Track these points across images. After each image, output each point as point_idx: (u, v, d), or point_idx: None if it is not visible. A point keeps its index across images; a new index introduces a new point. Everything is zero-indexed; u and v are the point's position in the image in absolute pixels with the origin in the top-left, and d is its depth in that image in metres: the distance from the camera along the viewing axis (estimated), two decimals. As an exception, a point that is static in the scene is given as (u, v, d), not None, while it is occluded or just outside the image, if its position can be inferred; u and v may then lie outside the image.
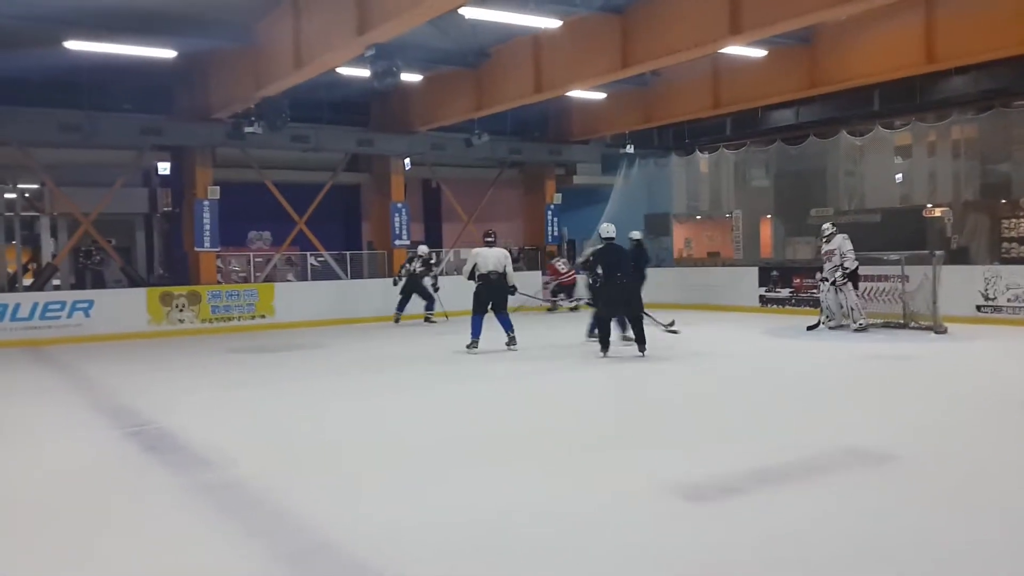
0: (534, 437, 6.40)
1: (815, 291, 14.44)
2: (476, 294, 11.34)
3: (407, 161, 19.35)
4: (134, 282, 17.04)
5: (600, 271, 10.50)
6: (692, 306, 13.72)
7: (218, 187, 16.57)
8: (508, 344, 11.31)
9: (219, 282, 16.77)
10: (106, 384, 9.64)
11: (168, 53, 13.03)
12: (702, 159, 20.97)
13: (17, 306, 14.02)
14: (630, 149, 20.07)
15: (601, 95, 17.67)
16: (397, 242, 18.82)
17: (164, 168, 18.20)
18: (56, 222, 18.23)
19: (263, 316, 16.16)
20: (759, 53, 14.36)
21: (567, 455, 5.78)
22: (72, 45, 12.33)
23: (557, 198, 21.46)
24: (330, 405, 8.14)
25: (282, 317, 16.25)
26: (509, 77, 15.18)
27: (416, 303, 16.02)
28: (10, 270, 18.53)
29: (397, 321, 15.86)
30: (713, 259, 20.83)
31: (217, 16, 12.62)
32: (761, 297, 16.86)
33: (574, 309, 17.80)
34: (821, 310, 13.17)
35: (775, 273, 16.85)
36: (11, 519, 4.70)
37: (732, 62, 15.23)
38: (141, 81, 15.78)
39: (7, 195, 18.10)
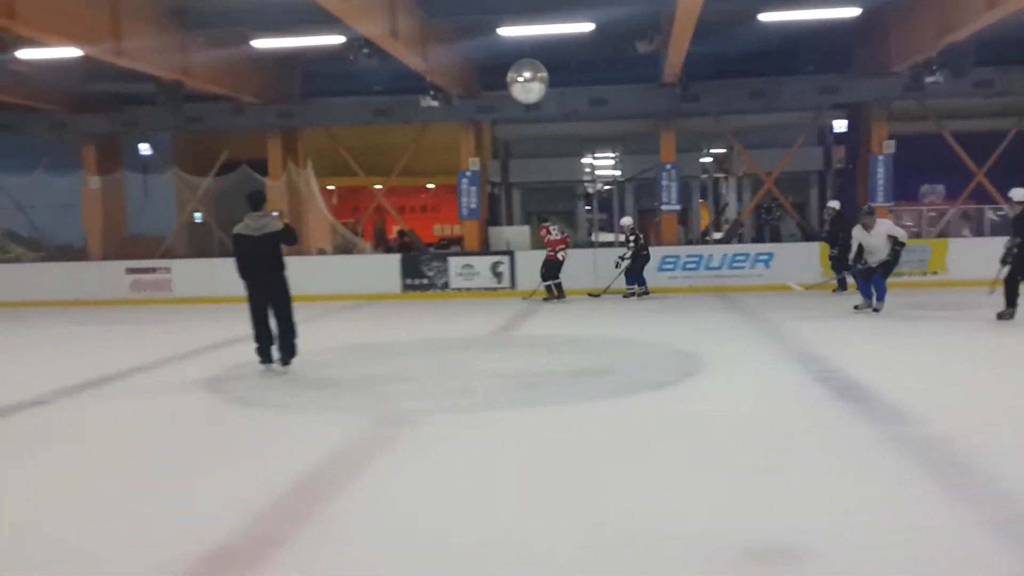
0: None
1: None
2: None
3: (1123, 97, 16.01)
4: (808, 236, 17.45)
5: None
6: None
7: (893, 141, 15.94)
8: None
9: (890, 236, 16.20)
10: (792, 330, 10.08)
11: (853, 12, 12.86)
12: None
13: (710, 256, 15.61)
14: None
15: None
16: (1101, 192, 15.75)
17: (839, 126, 18.15)
18: (741, 182, 19.60)
19: (935, 273, 15.16)
20: None
21: None
22: (765, 17, 12.98)
23: None
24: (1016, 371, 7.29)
25: (955, 274, 15.02)
26: None
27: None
28: (703, 226, 20.63)
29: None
30: None
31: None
32: None
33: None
34: None
35: None
36: (710, 440, 5.24)
37: None
38: (822, 43, 15.88)
39: (701, 159, 20.06)
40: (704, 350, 8.47)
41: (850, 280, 13.38)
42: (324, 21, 11.28)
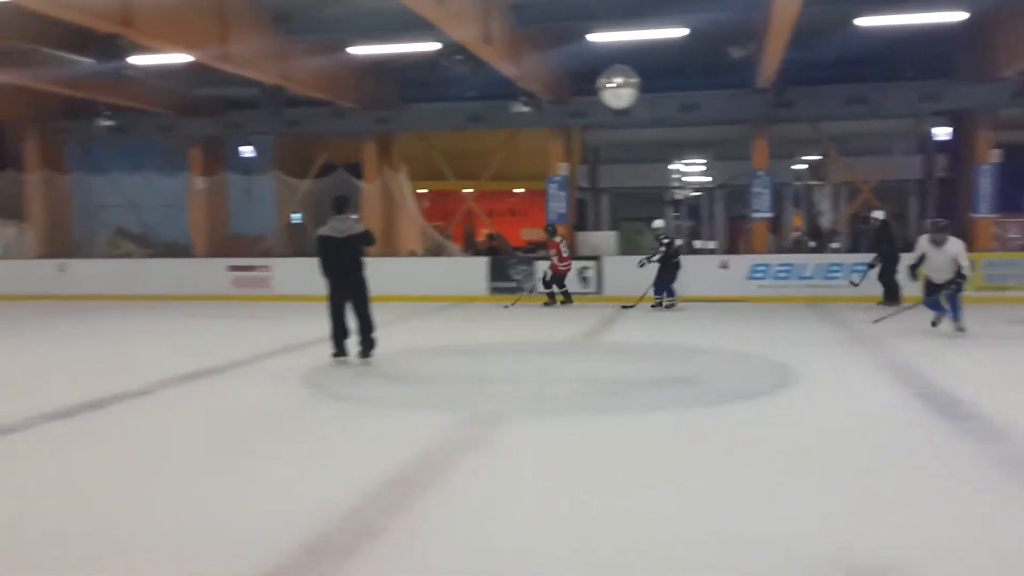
0: None
1: None
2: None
3: None
4: (909, 247, 16.80)
5: None
6: None
7: (999, 150, 15.24)
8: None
9: (995, 250, 15.50)
10: (887, 343, 9.73)
11: (958, 16, 12.36)
12: None
13: (803, 266, 15.21)
14: None
15: None
16: None
17: (942, 133, 17.45)
18: (837, 190, 19.06)
19: (1044, 288, 14.41)
20: None
21: None
22: (861, 22, 12.59)
23: None
24: None
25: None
26: None
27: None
28: (794, 234, 20.14)
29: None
30: None
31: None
32: None
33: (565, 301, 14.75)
34: None
35: None
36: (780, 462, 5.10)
37: None
38: (923, 48, 15.29)
39: (794, 166, 19.58)
40: (796, 361, 8.26)
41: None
42: (420, 28, 11.49)
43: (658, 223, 14.46)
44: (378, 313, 8.51)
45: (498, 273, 16.31)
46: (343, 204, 8.52)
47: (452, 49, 12.37)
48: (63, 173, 19.11)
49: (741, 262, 15.53)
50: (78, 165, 19.66)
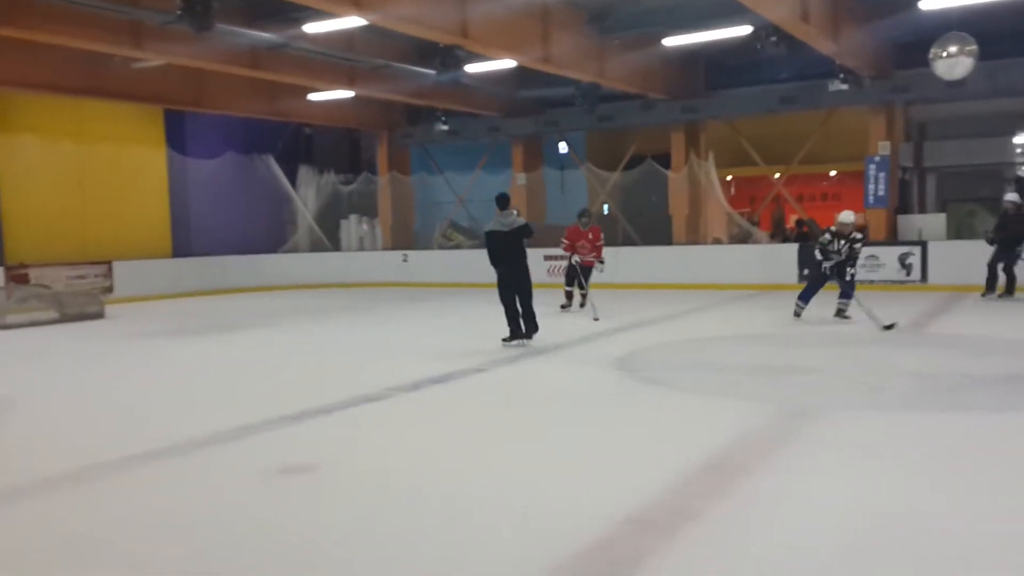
0: None
1: None
2: None
3: None
4: None
5: None
6: None
7: None
8: None
9: None
10: None
11: None
12: None
13: None
14: None
15: None
16: None
17: None
18: None
19: None
20: None
21: None
22: None
23: None
24: None
25: None
26: None
27: None
28: None
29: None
30: None
31: None
32: None
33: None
34: None
35: None
36: None
37: None
38: None
39: None
40: None
41: None
42: (732, 12, 11.12)
43: (847, 216, 10.35)
44: (685, 300, 8.41)
45: (808, 260, 15.34)
46: (505, 202, 8.95)
47: (766, 31, 11.78)
48: (407, 174, 21.18)
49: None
50: (419, 166, 21.70)
